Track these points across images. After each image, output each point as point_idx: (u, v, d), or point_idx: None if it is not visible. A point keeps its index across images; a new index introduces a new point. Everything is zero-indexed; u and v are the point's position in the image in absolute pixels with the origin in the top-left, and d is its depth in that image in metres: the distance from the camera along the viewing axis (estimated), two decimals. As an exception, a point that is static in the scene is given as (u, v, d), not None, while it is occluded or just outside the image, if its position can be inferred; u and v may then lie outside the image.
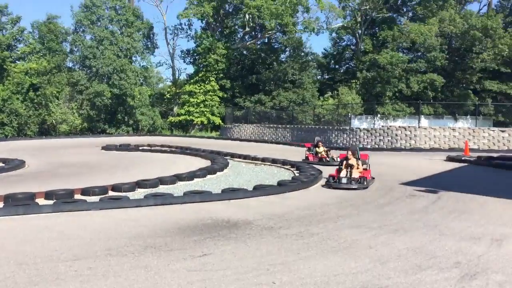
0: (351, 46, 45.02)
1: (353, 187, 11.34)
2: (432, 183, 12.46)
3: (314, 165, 16.20)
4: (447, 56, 37.81)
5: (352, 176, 11.62)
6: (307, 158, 18.36)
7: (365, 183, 11.53)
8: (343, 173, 11.86)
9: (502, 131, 26.39)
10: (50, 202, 9.40)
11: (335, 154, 18.38)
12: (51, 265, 5.39)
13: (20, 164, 16.94)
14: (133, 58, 44.80)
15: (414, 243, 6.44)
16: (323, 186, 12.03)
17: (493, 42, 35.09)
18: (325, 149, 18.34)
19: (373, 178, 12.66)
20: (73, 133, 40.02)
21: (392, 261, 5.59)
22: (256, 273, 5.14)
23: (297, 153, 21.93)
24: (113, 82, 40.17)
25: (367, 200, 9.99)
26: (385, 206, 9.37)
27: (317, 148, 18.37)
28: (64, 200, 9.39)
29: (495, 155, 20.18)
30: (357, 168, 12.03)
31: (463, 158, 18.99)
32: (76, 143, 30.27)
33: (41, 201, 9.64)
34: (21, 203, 8.80)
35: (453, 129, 26.94)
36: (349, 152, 12.29)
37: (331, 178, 11.86)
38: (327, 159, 17.81)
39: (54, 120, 39.61)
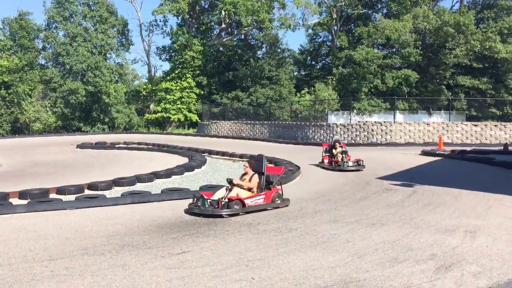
0: (327, 43, 45.24)
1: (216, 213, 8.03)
2: (408, 177, 12.65)
3: (325, 169, 14.90)
4: (421, 52, 38.34)
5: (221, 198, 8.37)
6: (322, 161, 15.57)
7: (235, 207, 8.18)
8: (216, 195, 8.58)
9: (475, 125, 26.96)
10: (24, 201, 9.23)
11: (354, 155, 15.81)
12: (26, 265, 5.30)
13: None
14: (108, 55, 44.18)
15: (390, 236, 6.53)
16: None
17: (466, 38, 35.73)
18: (342, 149, 15.12)
19: (287, 199, 9.16)
20: (47, 132, 39.27)
21: (369, 255, 5.66)
22: (235, 269, 5.14)
23: (276, 151, 22.00)
24: (88, 79, 39.55)
25: (344, 195, 10.08)
26: (362, 200, 9.48)
27: (334, 150, 15.33)
28: (39, 199, 9.23)
29: (468, 148, 20.60)
30: (248, 184, 8.80)
31: (437, 152, 19.33)
32: (50, 141, 29.73)
33: (15, 200, 9.45)
34: (-6, 203, 8.60)
35: (427, 124, 27.39)
36: (245, 165, 9.26)
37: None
38: (338, 163, 14.63)
39: (27, 119, 38.81)
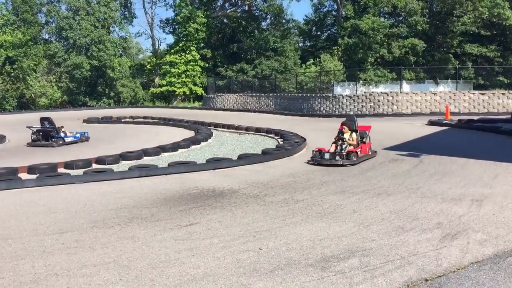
0: (333, 12, 44.49)
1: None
2: (414, 147, 12.63)
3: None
4: (428, 20, 37.72)
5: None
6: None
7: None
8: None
9: (482, 94, 26.69)
10: (33, 176, 9.32)
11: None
12: (37, 238, 5.39)
13: (0, 139, 16.68)
14: (111, 29, 43.88)
15: (397, 206, 6.56)
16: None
17: (474, 5, 35.03)
18: (354, 137, 10.95)
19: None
20: (53, 107, 39.37)
21: (375, 224, 5.70)
22: (242, 240, 5.20)
23: (282, 123, 21.98)
24: (92, 53, 39.37)
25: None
26: (368, 171, 9.50)
27: (341, 135, 11.04)
28: (47, 174, 9.32)
29: (475, 118, 20.48)
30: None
31: (444, 122, 19.24)
32: (56, 116, 29.67)
33: (24, 175, 9.55)
34: (4, 178, 8.71)
35: (434, 94, 27.14)
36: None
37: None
38: (343, 154, 10.32)
39: (33, 94, 38.86)
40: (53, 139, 15.70)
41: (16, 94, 38.00)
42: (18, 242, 5.25)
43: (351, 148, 10.54)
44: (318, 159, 10.32)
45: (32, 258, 4.72)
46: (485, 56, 37.27)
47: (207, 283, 4.04)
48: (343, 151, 10.41)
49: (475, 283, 3.96)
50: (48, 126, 15.94)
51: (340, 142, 10.64)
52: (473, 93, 26.92)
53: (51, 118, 16.29)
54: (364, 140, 11.43)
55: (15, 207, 7.00)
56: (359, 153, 10.60)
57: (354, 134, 10.96)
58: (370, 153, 11.21)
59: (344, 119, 12.03)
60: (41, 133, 15.97)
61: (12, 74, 37.28)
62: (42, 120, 16.22)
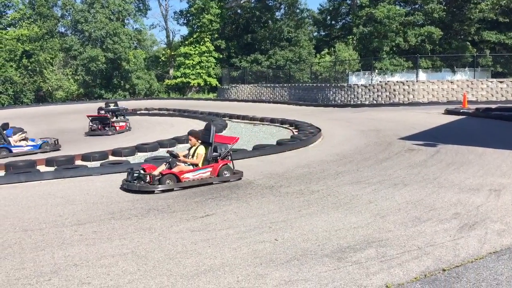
0: (347, 1, 44.00)
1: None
2: (431, 137, 12.50)
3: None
4: (445, 8, 37.10)
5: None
6: None
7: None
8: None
9: (501, 82, 26.24)
10: (51, 168, 9.45)
11: None
12: (56, 230, 5.47)
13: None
14: (126, 21, 44.05)
15: (413, 196, 6.52)
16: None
17: (492, -9, 34.43)
18: (199, 153, 8.08)
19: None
20: (69, 100, 39.77)
21: (392, 215, 5.67)
22: (258, 231, 5.22)
23: (296, 113, 21.92)
24: (107, 46, 39.60)
25: (366, 156, 10.04)
26: (384, 161, 9.43)
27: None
28: (65, 166, 9.44)
29: (493, 106, 20.16)
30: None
31: (461, 111, 18.98)
32: (73, 109, 30.12)
33: (42, 168, 9.70)
34: (22, 171, 8.85)
35: (451, 82, 26.77)
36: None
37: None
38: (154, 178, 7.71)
39: (50, 87, 39.28)
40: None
41: (34, 87, 38.45)
42: (38, 234, 5.34)
43: (183, 167, 7.78)
44: (126, 182, 7.62)
45: (51, 249, 4.80)
46: (503, 44, 36.59)
47: (224, 273, 4.07)
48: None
49: (493, 273, 3.92)
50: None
51: (170, 160, 8.02)
52: (491, 81, 26.48)
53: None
54: (222, 156, 8.22)
55: (34, 198, 7.12)
56: (193, 176, 7.74)
57: (201, 149, 8.08)
58: (227, 174, 8.08)
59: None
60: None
61: (29, 68, 37.71)
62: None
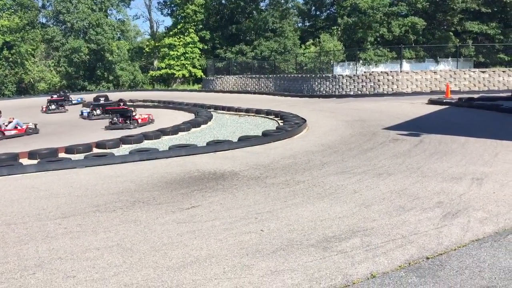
0: (332, -9, 44.15)
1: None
2: (415, 127, 12.62)
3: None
4: (428, -2, 37.40)
5: None
6: None
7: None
8: None
9: (483, 72, 26.56)
10: (34, 161, 9.34)
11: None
12: (40, 223, 5.42)
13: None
14: (109, 12, 43.55)
15: (397, 185, 6.58)
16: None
17: (474, -18, 34.75)
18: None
19: None
20: (52, 91, 39.23)
21: (376, 204, 5.72)
22: (244, 222, 5.23)
23: (282, 104, 21.92)
24: (90, 37, 39.15)
25: (351, 146, 10.10)
26: (369, 151, 9.50)
27: None
28: (48, 159, 9.33)
29: (475, 96, 20.40)
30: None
31: (444, 101, 19.18)
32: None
33: (25, 161, 9.57)
34: (5, 164, 8.72)
35: (434, 72, 27.01)
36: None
37: None
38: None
39: (32, 79, 38.75)
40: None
41: (15, 79, 37.90)
42: (21, 227, 5.28)
43: None
44: None
45: (35, 243, 4.75)
46: (485, 34, 37.03)
47: (210, 264, 4.07)
48: None
49: (476, 260, 3.99)
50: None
51: None
52: (474, 71, 26.78)
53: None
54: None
55: (16, 192, 7.03)
56: None
57: None
58: None
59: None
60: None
61: (10, 59, 37.13)
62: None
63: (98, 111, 19.36)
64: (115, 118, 15.90)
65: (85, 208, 5.98)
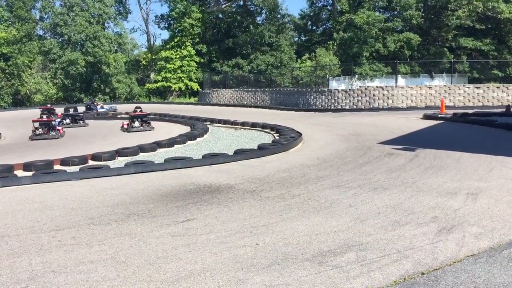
0: (328, 7, 44.49)
1: None
2: (410, 141, 12.67)
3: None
4: (423, 14, 37.78)
5: None
6: None
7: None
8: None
9: (477, 88, 26.78)
10: (29, 173, 9.30)
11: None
12: (34, 236, 5.38)
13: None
14: (106, 25, 43.77)
15: (392, 200, 6.59)
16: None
17: (468, -1, 35.14)
18: None
19: None
20: (48, 103, 39.19)
21: (371, 219, 5.72)
22: (239, 235, 5.21)
23: (278, 118, 21.97)
24: (87, 49, 39.25)
25: (347, 161, 10.12)
26: (364, 165, 9.52)
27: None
28: (43, 171, 9.29)
29: (470, 111, 20.54)
30: None
31: (439, 116, 19.30)
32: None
33: (19, 172, 9.53)
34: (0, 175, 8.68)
35: (429, 87, 27.21)
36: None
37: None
38: None
39: (28, 91, 38.73)
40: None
41: (11, 90, 37.86)
42: (15, 240, 5.24)
43: None
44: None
45: (29, 255, 4.72)
46: (479, 50, 37.40)
47: (205, 278, 4.05)
48: None
49: (471, 276, 3.99)
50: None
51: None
52: (468, 87, 27.00)
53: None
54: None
55: (11, 204, 6.99)
56: None
57: None
58: None
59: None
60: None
61: (7, 71, 37.13)
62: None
63: (68, 120, 20.82)
64: (40, 129, 16.42)
65: (80, 221, 5.95)
